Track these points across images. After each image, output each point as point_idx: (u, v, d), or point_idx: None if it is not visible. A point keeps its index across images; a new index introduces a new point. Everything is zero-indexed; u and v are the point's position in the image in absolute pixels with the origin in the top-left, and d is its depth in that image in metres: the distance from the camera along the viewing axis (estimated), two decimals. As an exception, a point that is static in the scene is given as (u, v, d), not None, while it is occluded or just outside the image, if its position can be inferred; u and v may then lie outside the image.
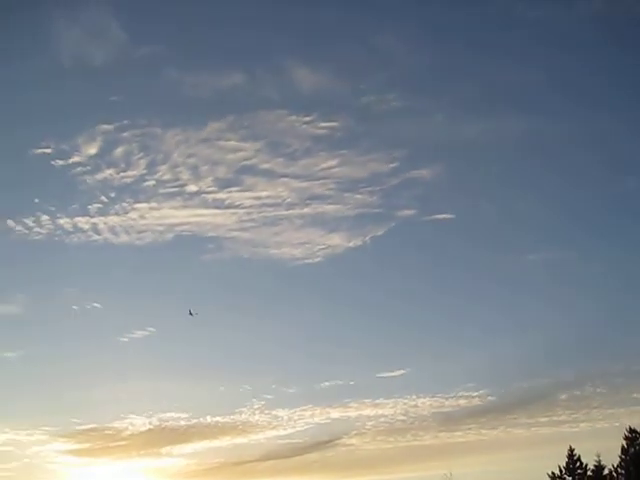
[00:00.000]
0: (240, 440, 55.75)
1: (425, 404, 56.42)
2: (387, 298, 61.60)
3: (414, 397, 56.45)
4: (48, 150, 55.49)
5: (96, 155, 56.23)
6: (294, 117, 57.97)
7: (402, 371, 57.20)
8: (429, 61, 59.69)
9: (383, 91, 59.23)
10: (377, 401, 56.50)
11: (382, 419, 56.11)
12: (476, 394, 55.57)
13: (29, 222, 55.28)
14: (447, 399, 56.20)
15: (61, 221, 55.96)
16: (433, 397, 56.47)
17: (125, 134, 56.61)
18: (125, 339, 56.39)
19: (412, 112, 59.79)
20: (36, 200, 56.38)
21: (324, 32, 59.20)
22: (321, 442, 55.86)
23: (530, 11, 57.08)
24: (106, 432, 53.95)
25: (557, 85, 59.93)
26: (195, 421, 55.21)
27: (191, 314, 50.38)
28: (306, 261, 58.53)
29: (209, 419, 55.48)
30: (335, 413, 56.30)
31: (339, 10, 58.51)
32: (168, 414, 54.71)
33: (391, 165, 58.97)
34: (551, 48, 57.54)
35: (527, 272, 60.41)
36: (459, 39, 59.62)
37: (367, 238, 58.94)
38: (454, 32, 59.90)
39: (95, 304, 56.41)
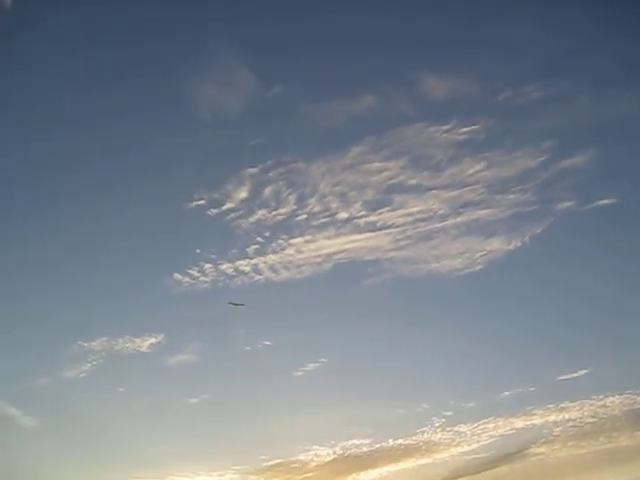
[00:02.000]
0: (425, 460, 54.79)
1: (615, 403, 53.47)
2: (557, 296, 58.74)
3: (601, 397, 53.70)
4: (202, 202, 58.09)
5: (247, 199, 58.30)
6: (433, 128, 57.42)
7: (585, 370, 54.37)
8: (559, 43, 56.51)
9: (518, 84, 57.27)
10: (562, 405, 54.23)
11: (570, 424, 53.76)
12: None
13: (194, 272, 57.69)
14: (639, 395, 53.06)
15: (223, 267, 57.99)
16: (622, 394, 53.42)
17: (271, 174, 58.28)
18: (299, 373, 57.03)
19: (553, 100, 57.32)
20: (197, 251, 58.65)
21: (447, 36, 58.31)
22: (509, 454, 53.99)
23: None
24: (292, 466, 54.51)
25: None
26: (377, 446, 54.84)
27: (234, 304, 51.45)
28: (467, 270, 57.26)
29: (391, 442, 54.91)
30: (519, 422, 54.43)
31: (457, 10, 57.56)
32: (350, 442, 54.76)
33: (540, 159, 56.96)
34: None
35: None
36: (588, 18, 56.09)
37: (526, 238, 57.07)
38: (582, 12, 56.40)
39: (266, 342, 57.52)
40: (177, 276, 57.45)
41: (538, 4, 56.78)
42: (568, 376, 54.34)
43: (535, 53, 57.10)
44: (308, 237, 57.96)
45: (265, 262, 57.96)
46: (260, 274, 57.75)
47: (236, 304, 53.39)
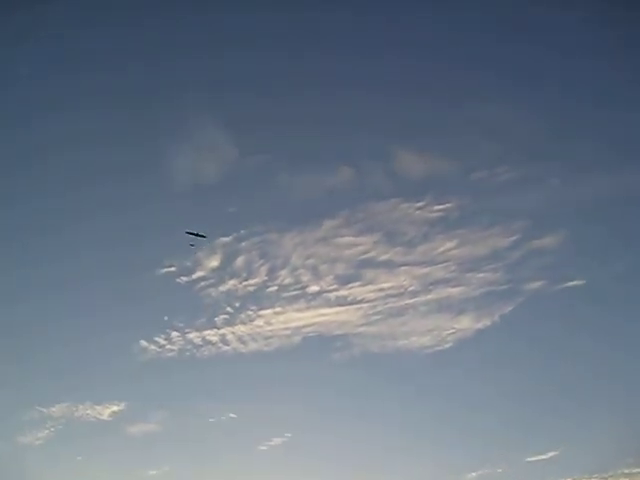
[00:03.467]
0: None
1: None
2: (525, 376, 57.98)
3: (569, 479, 53.10)
4: (172, 269, 57.92)
5: (218, 268, 58.24)
6: (407, 204, 58.09)
7: (553, 452, 53.64)
8: (537, 127, 57.57)
9: (493, 164, 58.12)
10: (530, 486, 53.40)
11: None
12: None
13: (160, 340, 56.93)
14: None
15: (190, 335, 57.24)
16: (591, 477, 52.65)
17: (244, 244, 58.42)
18: (264, 447, 55.79)
19: (526, 181, 58.25)
20: (165, 318, 57.85)
21: (424, 116, 59.21)
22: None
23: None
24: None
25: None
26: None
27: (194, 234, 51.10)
28: (436, 348, 56.96)
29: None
30: (486, 503, 53.45)
31: (436, 92, 58.69)
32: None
33: (511, 238, 57.46)
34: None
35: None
36: (563, 103, 57.53)
37: (496, 317, 56.96)
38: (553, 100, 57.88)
39: (231, 414, 56.35)
40: (143, 343, 56.73)
41: (516, 89, 58.24)
42: (536, 457, 53.71)
43: (510, 135, 57.90)
44: (278, 309, 57.74)
45: (233, 333, 57.42)
46: (228, 345, 57.15)
47: (197, 234, 52.54)
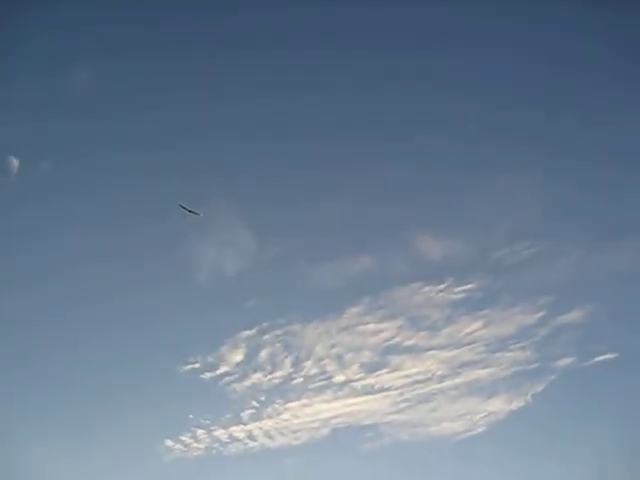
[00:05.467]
0: None
1: None
2: (564, 456, 55.55)
3: None
4: (196, 365, 57.26)
5: (242, 362, 57.58)
6: (428, 288, 57.81)
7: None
8: (559, 198, 57.64)
9: (512, 242, 57.95)
10: None
11: None
12: None
13: (186, 439, 55.63)
14: None
15: (217, 433, 55.97)
16: None
17: (267, 336, 57.94)
18: None
19: (548, 255, 57.91)
20: (190, 416, 56.64)
21: (439, 198, 59.62)
22: None
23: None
24: None
25: None
26: None
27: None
28: (469, 433, 55.37)
29: None
30: None
31: (450, 171, 59.12)
32: None
33: (538, 315, 56.72)
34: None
35: None
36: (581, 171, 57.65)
37: (528, 396, 55.66)
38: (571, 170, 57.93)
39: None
40: (169, 442, 55.51)
41: (530, 161, 58.38)
42: None
43: (528, 210, 57.99)
44: (305, 401, 56.70)
45: (260, 428, 56.24)
46: (255, 440, 55.88)
47: (190, 210, 51.84)
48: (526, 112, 59.53)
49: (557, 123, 59.83)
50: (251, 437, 56.02)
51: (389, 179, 60.39)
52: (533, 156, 59.14)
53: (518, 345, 56.29)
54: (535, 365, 56.10)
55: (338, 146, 60.83)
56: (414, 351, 57.00)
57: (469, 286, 57.31)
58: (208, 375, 57.25)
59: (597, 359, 55.19)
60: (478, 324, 56.85)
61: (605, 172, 57.94)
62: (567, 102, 59.94)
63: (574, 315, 56.01)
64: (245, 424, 56.39)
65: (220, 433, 56.04)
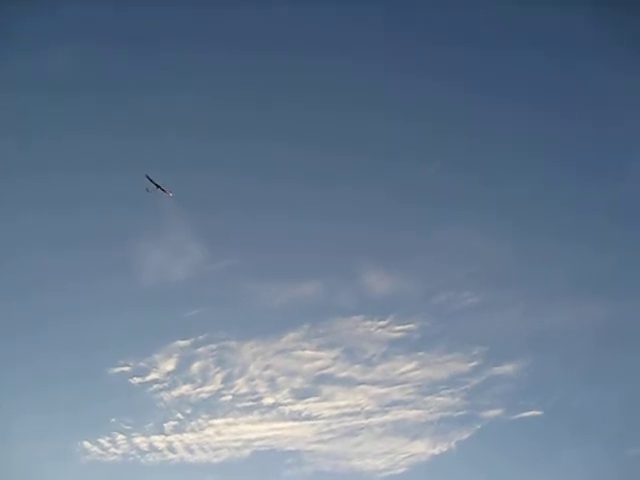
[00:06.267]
0: None
1: None
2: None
3: None
4: (126, 368, 56.44)
5: (173, 372, 56.93)
6: (369, 322, 58.08)
7: None
8: (502, 253, 58.94)
9: (458, 288, 58.74)
10: None
11: None
12: None
13: (104, 442, 54.44)
14: None
15: (137, 440, 54.92)
16: None
17: (202, 349, 57.46)
18: None
19: (490, 306, 58.90)
20: (112, 419, 55.51)
21: (393, 237, 60.34)
22: None
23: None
24: None
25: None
26: None
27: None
28: (390, 472, 55.22)
29: None
30: None
31: (409, 208, 59.96)
32: None
33: (472, 364, 57.32)
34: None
35: (627, 464, 54.99)
36: (532, 233, 59.06)
37: (452, 443, 55.86)
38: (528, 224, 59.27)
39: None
40: (86, 444, 54.22)
41: (483, 215, 59.58)
42: None
43: (476, 260, 59.11)
44: (230, 419, 56.08)
45: (182, 440, 55.34)
46: (175, 453, 54.90)
47: (158, 186, 51.18)
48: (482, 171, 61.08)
49: (509, 183, 61.31)
50: (171, 449, 55.13)
51: (348, 209, 61.11)
52: (486, 213, 60.35)
53: (449, 391, 56.81)
54: (463, 412, 56.59)
55: (300, 165, 61.53)
56: (346, 383, 57.13)
57: (409, 326, 57.85)
58: (137, 380, 56.49)
59: (523, 414, 55.99)
60: (412, 365, 57.29)
61: (551, 237, 59.45)
62: (503, 165, 61.74)
63: (506, 368, 56.95)
64: (167, 435, 55.57)
65: (140, 440, 55.03)
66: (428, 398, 56.68)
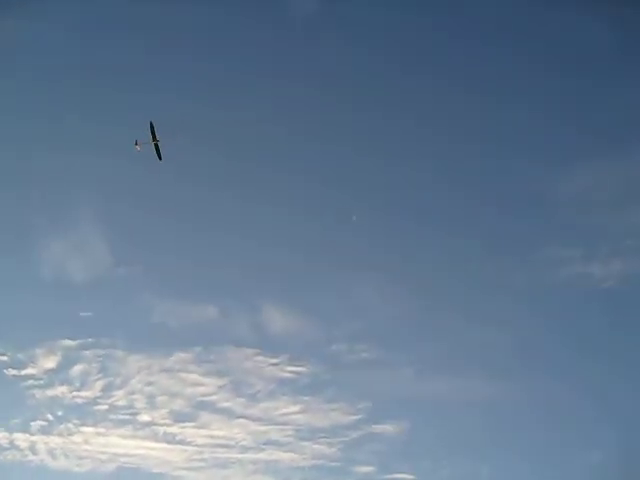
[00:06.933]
0: None
1: None
2: None
3: None
4: (4, 358, 54.41)
5: (52, 370, 55.00)
6: (261, 357, 57.40)
7: None
8: (401, 314, 59.28)
9: (354, 340, 58.71)
10: None
11: None
12: None
13: (-38, 431, 52.20)
14: None
15: (-2, 435, 52.83)
16: None
17: (87, 352, 55.71)
18: None
19: (381, 364, 58.73)
20: (-24, 408, 53.25)
21: (299, 276, 59.54)
22: None
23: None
24: None
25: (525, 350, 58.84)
26: None
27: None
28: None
29: None
30: None
31: (315, 256, 59.83)
32: None
33: (354, 417, 57.17)
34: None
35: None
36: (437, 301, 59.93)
37: (320, 492, 55.81)
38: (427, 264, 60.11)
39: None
40: (-58, 430, 51.84)
41: (389, 277, 59.78)
42: None
43: (374, 317, 59.20)
44: (101, 429, 54.56)
45: (46, 443, 53.55)
46: (35, 454, 53.08)
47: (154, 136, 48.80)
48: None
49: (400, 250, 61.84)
50: (33, 450, 53.31)
51: (253, 248, 59.99)
52: (393, 277, 60.22)
53: (327, 440, 56.52)
54: (337, 464, 56.27)
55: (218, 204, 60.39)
56: (226, 414, 56.32)
57: (300, 369, 57.35)
58: (12, 372, 54.58)
59: (395, 475, 56.16)
60: (296, 408, 56.90)
61: (445, 310, 59.49)
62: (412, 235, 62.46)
63: (386, 427, 57.03)
64: (32, 434, 53.69)
65: (2, 436, 52.96)
66: (305, 443, 56.48)
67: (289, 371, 57.38)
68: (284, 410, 56.91)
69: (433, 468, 56.75)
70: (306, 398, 57.37)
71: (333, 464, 56.56)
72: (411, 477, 56.07)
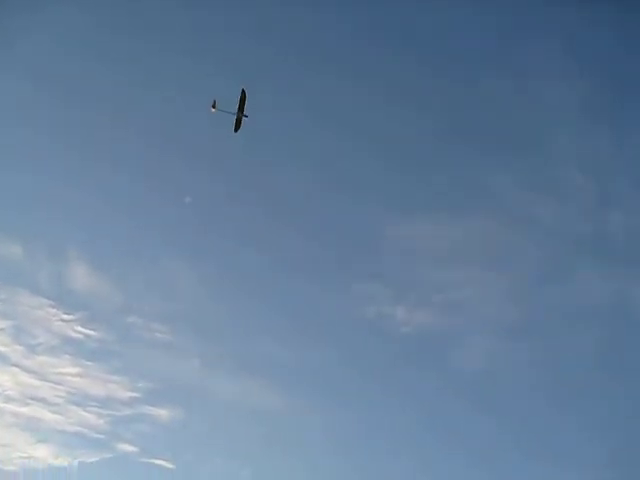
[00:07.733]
0: None
1: None
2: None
3: None
4: None
5: None
6: (54, 310, 55.32)
7: None
8: (212, 308, 58.75)
9: (153, 319, 57.08)
10: None
11: None
12: None
13: None
14: None
15: None
16: None
17: None
18: None
19: (173, 349, 57.47)
20: None
21: (114, 240, 58.01)
22: None
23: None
24: None
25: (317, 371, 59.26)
26: None
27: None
28: (-1, 465, 52.23)
29: None
30: None
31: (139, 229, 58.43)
32: None
33: (131, 394, 55.86)
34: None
35: None
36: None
37: (76, 461, 53.82)
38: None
39: None
40: None
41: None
42: None
43: (179, 301, 58.62)
44: None
45: None
46: None
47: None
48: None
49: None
50: None
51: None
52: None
53: (97, 410, 55.06)
54: (101, 436, 54.87)
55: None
56: (-1, 359, 53.36)
57: (90, 332, 55.48)
58: None
59: (154, 461, 54.86)
60: (75, 370, 55.04)
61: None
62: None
63: (161, 412, 55.95)
64: None
65: None
66: (74, 408, 54.68)
67: (78, 331, 55.40)
68: (62, 369, 54.93)
69: (194, 462, 56.33)
70: (88, 363, 55.65)
71: (97, 435, 55.12)
72: (171, 466, 55.49)
